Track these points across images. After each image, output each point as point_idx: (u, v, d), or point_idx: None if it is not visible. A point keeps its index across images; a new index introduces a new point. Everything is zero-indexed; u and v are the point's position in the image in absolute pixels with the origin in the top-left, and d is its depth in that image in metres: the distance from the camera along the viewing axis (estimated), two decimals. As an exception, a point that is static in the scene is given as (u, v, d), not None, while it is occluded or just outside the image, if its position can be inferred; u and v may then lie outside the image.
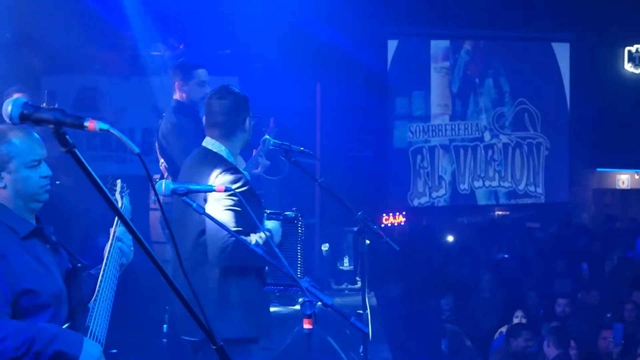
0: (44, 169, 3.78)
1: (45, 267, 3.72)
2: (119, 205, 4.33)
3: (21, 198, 3.74)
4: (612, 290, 11.99)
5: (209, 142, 5.22)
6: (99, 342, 3.72)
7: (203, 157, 5.20)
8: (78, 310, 3.79)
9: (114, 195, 4.40)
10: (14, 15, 10.44)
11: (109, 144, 11.85)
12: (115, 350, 3.87)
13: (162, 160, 7.22)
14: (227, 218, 4.74)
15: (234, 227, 4.68)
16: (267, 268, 5.10)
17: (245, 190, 4.85)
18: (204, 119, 5.38)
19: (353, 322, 4.20)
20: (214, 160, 5.10)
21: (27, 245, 3.69)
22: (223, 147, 5.15)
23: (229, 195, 4.65)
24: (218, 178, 4.92)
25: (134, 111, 12.03)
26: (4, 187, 3.70)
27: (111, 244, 4.04)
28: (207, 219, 4.52)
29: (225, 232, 4.61)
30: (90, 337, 3.69)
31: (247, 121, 5.22)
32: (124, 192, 4.45)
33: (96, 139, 11.89)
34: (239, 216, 4.75)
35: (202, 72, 7.49)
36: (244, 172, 5.23)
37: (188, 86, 7.38)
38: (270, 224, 5.07)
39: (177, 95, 7.42)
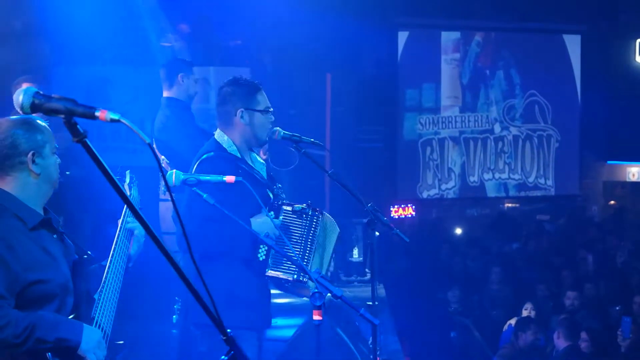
0: (57, 157, 3.85)
1: (53, 257, 3.73)
2: (127, 194, 4.35)
3: (48, 184, 3.79)
4: (622, 283, 11.98)
5: (216, 131, 5.29)
6: (104, 333, 3.73)
7: (207, 144, 5.28)
8: (83, 301, 3.81)
9: (122, 185, 4.42)
10: (24, 5, 10.46)
11: (119, 134, 11.85)
12: (122, 342, 3.87)
13: (162, 157, 7.22)
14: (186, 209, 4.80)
15: (193, 217, 4.71)
16: (270, 258, 5.07)
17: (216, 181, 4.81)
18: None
19: (362, 314, 4.20)
20: (206, 149, 5.16)
21: (35, 235, 3.70)
22: (226, 137, 5.18)
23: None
24: (198, 167, 5.01)
25: (144, 101, 12.03)
26: (39, 174, 3.73)
27: (118, 235, 4.05)
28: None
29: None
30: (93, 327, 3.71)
31: (244, 114, 5.18)
32: (132, 182, 4.47)
33: (106, 130, 11.90)
34: (201, 208, 4.66)
35: (196, 70, 7.61)
36: (255, 164, 5.24)
37: (189, 80, 7.45)
38: (258, 218, 5.00)
39: (170, 92, 7.47)
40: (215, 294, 4.34)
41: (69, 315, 3.73)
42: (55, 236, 3.82)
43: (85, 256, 3.95)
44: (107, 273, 3.90)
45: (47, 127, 3.78)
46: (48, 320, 3.56)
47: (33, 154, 3.69)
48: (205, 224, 4.71)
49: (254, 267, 5.05)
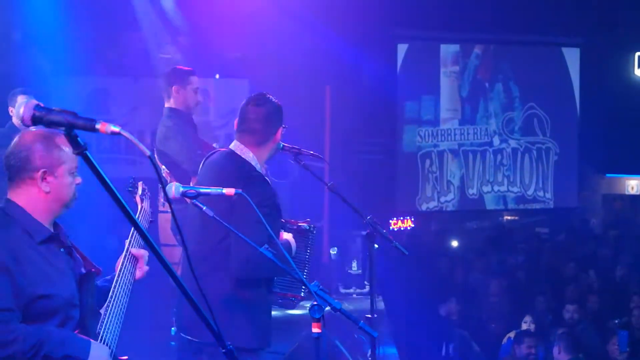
0: (78, 177, 3.80)
1: (60, 271, 3.71)
2: (139, 207, 4.33)
3: (58, 203, 3.75)
4: (621, 296, 11.96)
5: (237, 147, 5.15)
6: (109, 349, 3.71)
7: (228, 160, 5.14)
8: (89, 316, 3.77)
9: (134, 198, 4.39)
10: (24, 17, 10.47)
11: (118, 146, 11.85)
12: (126, 357, 3.84)
13: (163, 167, 7.22)
14: (254, 229, 4.61)
15: (260, 239, 4.53)
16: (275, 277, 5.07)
17: (272, 202, 4.81)
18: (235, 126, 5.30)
19: (362, 326, 4.19)
20: (239, 166, 5.05)
21: (42, 250, 3.67)
22: (251, 154, 5.11)
23: (259, 206, 4.57)
24: (244, 188, 4.83)
25: (143, 113, 12.03)
26: (48, 192, 3.70)
27: (127, 249, 4.02)
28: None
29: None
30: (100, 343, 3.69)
31: (279, 132, 5.20)
32: (144, 195, 4.44)
33: (105, 141, 11.90)
34: (263, 227, 4.55)
35: (195, 79, 7.56)
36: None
37: (186, 91, 7.42)
38: (287, 235, 5.03)
39: (170, 103, 7.45)
40: (237, 315, 4.34)
41: (74, 330, 3.71)
42: (62, 250, 3.80)
43: (93, 270, 3.92)
44: (115, 288, 3.87)
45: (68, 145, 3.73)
46: (56, 337, 3.55)
47: (44, 172, 3.67)
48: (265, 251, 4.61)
49: (270, 287, 5.07)
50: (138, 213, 4.29)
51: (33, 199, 3.70)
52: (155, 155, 7.33)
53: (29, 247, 3.63)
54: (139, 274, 4.06)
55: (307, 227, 5.19)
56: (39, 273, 3.59)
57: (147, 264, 4.08)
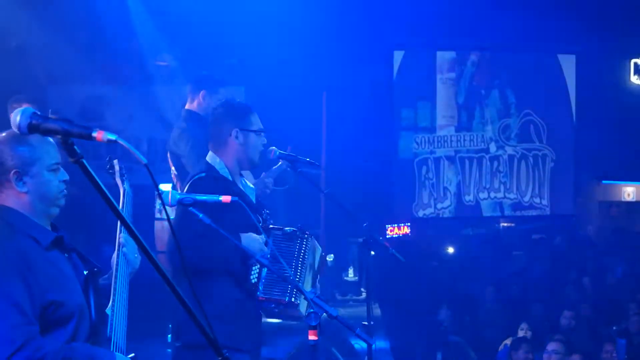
0: (62, 173, 3.71)
1: (68, 277, 3.66)
2: (121, 190, 4.29)
3: (43, 203, 3.65)
4: (617, 303, 11.97)
5: (208, 154, 5.28)
6: (121, 351, 3.69)
7: (199, 165, 5.30)
8: (99, 319, 3.72)
9: (113, 179, 4.35)
10: (20, 25, 10.47)
11: (115, 153, 11.84)
12: (133, 354, 3.82)
13: (173, 168, 7.25)
14: (176, 224, 4.68)
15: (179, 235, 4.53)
16: (262, 281, 5.02)
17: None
18: None
19: (358, 334, 4.19)
20: (198, 170, 5.18)
21: (49, 255, 3.62)
22: (217, 159, 5.18)
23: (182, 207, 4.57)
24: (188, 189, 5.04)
25: (139, 120, 12.04)
26: (26, 192, 3.61)
27: (119, 249, 3.99)
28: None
29: (167, 240, 4.88)
30: (113, 347, 3.66)
31: (238, 134, 5.17)
32: (123, 176, 4.38)
33: (101, 148, 11.89)
34: (192, 223, 4.54)
35: (224, 91, 7.56)
36: (245, 189, 5.23)
37: (211, 100, 7.42)
38: (245, 237, 4.93)
39: (192, 106, 7.46)
40: (206, 313, 4.31)
41: (87, 336, 3.68)
42: (66, 255, 3.75)
43: (95, 269, 3.88)
44: (115, 288, 3.82)
45: (47, 142, 3.65)
46: (81, 353, 3.52)
47: (16, 173, 3.58)
48: (194, 240, 4.65)
49: (246, 289, 5.01)
50: (122, 197, 4.25)
51: (17, 201, 3.62)
52: (168, 156, 7.39)
53: (37, 253, 3.56)
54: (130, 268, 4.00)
55: (290, 230, 5.13)
56: (50, 280, 3.53)
57: (138, 255, 4.03)
